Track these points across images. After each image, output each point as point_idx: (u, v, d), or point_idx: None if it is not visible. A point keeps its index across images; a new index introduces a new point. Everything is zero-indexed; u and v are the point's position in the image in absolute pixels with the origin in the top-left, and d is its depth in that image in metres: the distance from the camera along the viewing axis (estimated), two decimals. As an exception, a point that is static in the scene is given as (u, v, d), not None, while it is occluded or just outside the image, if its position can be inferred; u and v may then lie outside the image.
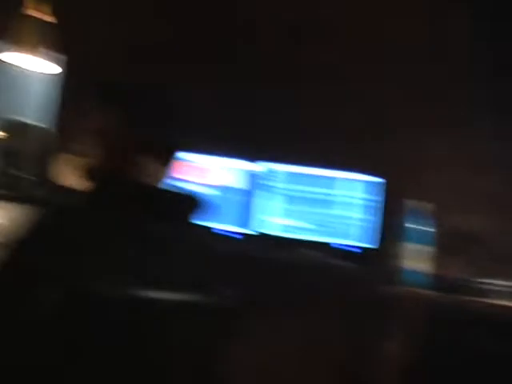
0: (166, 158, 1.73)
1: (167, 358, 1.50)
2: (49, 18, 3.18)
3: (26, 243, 1.51)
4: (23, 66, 3.34)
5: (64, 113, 3.54)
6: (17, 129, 3.17)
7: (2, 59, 3.26)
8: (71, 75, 3.62)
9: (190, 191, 1.73)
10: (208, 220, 1.75)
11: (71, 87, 3.62)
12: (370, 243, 3.17)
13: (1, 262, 1.55)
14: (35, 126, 3.21)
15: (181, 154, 1.79)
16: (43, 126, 3.29)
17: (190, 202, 1.71)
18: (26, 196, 3.12)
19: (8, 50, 3.15)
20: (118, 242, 1.52)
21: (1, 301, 1.50)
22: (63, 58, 3.36)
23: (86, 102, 1.80)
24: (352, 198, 3.22)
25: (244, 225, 3.20)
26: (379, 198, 3.19)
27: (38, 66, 3.30)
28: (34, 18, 3.15)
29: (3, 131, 3.17)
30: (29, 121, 3.29)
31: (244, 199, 3.24)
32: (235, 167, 3.24)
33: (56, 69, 3.32)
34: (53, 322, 1.39)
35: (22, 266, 1.48)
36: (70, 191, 3.10)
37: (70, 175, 3.14)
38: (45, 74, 3.46)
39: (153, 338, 1.47)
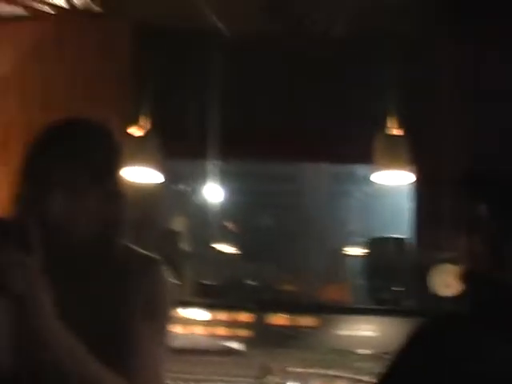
0: None
1: None
2: (401, 133, 3.28)
3: (408, 353, 1.51)
4: (384, 182, 3.45)
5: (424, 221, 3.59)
6: (383, 244, 3.26)
7: (373, 180, 3.40)
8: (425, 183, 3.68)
9: None
10: None
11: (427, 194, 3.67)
12: None
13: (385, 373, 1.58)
14: (397, 239, 3.29)
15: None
16: (403, 237, 3.33)
17: None
18: (394, 308, 3.17)
19: (376, 170, 3.28)
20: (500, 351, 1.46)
21: None
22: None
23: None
24: None
25: None
26: None
27: (395, 180, 3.39)
28: (395, 136, 3.26)
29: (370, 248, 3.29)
30: (391, 235, 3.38)
31: None
32: None
33: (410, 179, 3.41)
34: None
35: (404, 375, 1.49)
36: (440, 300, 3.11)
37: (442, 285, 3.14)
38: (400, 186, 3.56)
39: None
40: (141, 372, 1.70)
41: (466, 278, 1.69)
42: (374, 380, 2.25)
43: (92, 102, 3.57)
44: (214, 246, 5.13)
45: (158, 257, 1.87)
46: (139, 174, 3.30)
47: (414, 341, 1.52)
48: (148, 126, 3.37)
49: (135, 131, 3.35)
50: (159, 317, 1.83)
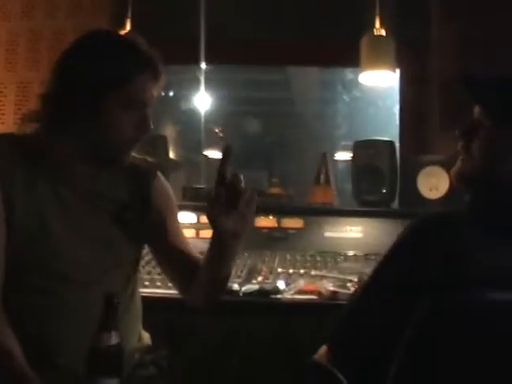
0: None
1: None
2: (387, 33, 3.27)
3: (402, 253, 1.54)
4: (372, 84, 3.45)
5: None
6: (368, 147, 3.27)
7: (361, 81, 3.40)
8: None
9: None
10: None
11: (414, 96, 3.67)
12: None
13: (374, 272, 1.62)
14: (384, 142, 3.30)
15: None
16: (389, 140, 3.35)
17: None
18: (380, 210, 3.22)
19: (363, 71, 3.28)
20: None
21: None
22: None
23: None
24: None
25: None
26: None
27: (383, 81, 3.40)
28: (381, 36, 3.26)
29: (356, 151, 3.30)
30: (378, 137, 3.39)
31: None
32: None
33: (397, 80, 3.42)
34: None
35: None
36: (427, 202, 3.14)
37: (429, 187, 3.17)
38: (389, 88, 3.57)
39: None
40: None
41: (460, 179, 1.70)
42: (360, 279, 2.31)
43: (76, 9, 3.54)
44: (203, 152, 5.12)
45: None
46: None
47: (410, 234, 1.53)
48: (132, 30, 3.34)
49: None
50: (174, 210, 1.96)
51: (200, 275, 1.91)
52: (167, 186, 2.04)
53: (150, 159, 2.00)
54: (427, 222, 1.55)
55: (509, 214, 1.53)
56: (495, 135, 1.60)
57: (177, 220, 2.06)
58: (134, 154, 1.91)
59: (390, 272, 1.57)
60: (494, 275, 1.44)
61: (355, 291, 1.71)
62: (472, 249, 1.46)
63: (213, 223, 1.76)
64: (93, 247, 1.83)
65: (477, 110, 1.68)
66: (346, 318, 1.64)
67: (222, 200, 1.70)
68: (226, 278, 1.92)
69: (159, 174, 2.01)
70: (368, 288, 1.62)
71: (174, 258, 2.01)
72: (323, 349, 1.69)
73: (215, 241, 1.81)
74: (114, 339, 1.40)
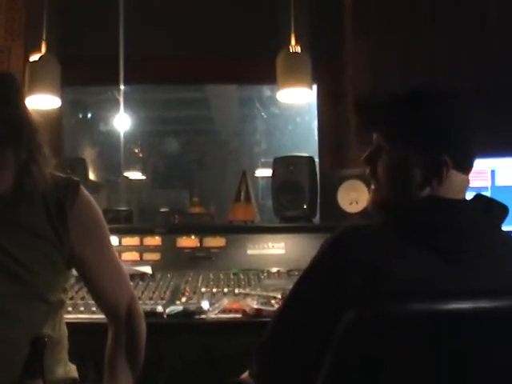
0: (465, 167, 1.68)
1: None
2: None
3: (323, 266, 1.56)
4: (288, 101, 3.49)
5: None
6: (288, 163, 3.29)
7: (279, 98, 3.42)
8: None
9: (497, 201, 1.68)
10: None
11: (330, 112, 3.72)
12: None
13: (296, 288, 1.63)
14: (303, 158, 3.33)
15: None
16: (309, 155, 3.37)
17: (501, 211, 1.66)
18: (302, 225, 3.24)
19: (280, 88, 3.30)
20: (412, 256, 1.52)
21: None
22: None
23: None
24: None
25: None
26: None
27: (300, 98, 3.44)
28: (297, 53, 3.29)
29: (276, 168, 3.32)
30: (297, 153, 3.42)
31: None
32: (510, 165, 3.15)
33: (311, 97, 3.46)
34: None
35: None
36: (348, 216, 3.18)
37: (349, 201, 3.21)
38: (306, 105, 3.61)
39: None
40: None
41: (374, 208, 1.74)
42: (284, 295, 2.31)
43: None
44: (123, 173, 5.07)
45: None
46: (41, 102, 3.26)
47: (328, 247, 1.55)
48: (48, 52, 3.30)
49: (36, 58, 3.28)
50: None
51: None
52: (90, 208, 1.92)
53: (73, 178, 1.90)
54: (344, 234, 1.56)
55: (418, 226, 1.56)
56: (396, 156, 1.64)
57: (101, 247, 1.95)
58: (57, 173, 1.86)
59: (311, 286, 1.58)
60: (411, 284, 1.47)
61: (278, 308, 1.71)
62: (388, 259, 1.49)
63: None
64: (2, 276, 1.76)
65: (374, 135, 1.72)
66: (270, 337, 1.63)
67: None
68: None
69: (81, 193, 1.88)
70: (290, 303, 1.62)
71: (95, 293, 1.97)
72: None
73: None
74: (39, 387, 1.35)
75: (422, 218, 1.57)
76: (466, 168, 1.66)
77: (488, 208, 1.62)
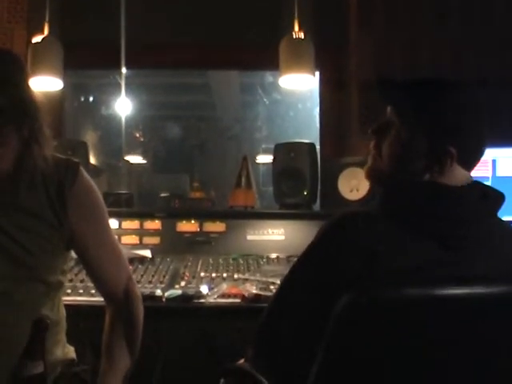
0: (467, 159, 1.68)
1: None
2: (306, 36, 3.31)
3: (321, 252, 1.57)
4: (290, 87, 3.48)
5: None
6: (289, 149, 3.29)
7: (281, 85, 3.41)
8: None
9: (493, 188, 1.68)
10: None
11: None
12: None
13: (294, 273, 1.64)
14: (304, 144, 3.32)
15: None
16: (310, 142, 3.37)
17: (497, 198, 1.67)
18: (302, 212, 3.25)
19: (283, 74, 3.29)
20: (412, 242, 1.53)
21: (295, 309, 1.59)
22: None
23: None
24: None
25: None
26: None
27: (302, 85, 3.43)
28: (300, 39, 3.28)
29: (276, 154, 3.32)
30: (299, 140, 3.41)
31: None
32: (511, 155, 3.15)
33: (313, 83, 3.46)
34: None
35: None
36: (348, 203, 3.18)
37: (350, 188, 3.21)
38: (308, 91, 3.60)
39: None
40: None
41: (370, 176, 1.74)
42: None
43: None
44: (124, 157, 5.08)
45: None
46: (43, 83, 3.25)
47: (326, 231, 1.55)
48: (50, 35, 3.30)
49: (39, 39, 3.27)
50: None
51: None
52: (90, 190, 1.91)
53: (72, 159, 1.90)
54: (343, 218, 1.57)
55: (417, 212, 1.56)
56: (404, 135, 1.64)
57: (100, 229, 1.95)
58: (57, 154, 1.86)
59: (309, 268, 1.58)
60: (407, 270, 1.47)
61: (276, 290, 1.72)
62: (387, 243, 1.49)
63: None
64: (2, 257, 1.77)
65: (389, 109, 1.72)
66: (267, 320, 1.64)
67: None
68: None
69: (81, 175, 1.88)
70: (287, 286, 1.63)
71: (93, 275, 1.98)
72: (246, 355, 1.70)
73: None
74: (39, 368, 1.35)
75: (421, 203, 1.57)
76: (470, 164, 1.66)
77: (485, 195, 1.62)
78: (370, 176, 1.76)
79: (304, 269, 1.60)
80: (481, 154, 1.68)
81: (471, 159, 1.66)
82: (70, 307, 2.04)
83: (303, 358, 1.49)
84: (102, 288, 1.99)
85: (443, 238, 1.53)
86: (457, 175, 1.62)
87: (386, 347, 1.42)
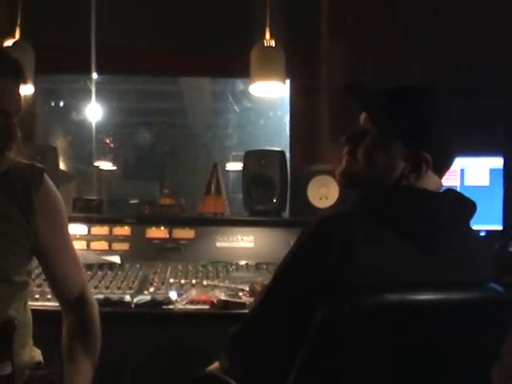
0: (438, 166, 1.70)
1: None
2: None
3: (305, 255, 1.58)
4: (261, 95, 3.49)
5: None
6: (259, 157, 3.31)
7: (252, 92, 3.43)
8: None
9: (467, 197, 1.71)
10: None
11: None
12: None
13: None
14: (274, 152, 3.34)
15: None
16: (280, 149, 3.39)
17: (471, 207, 1.69)
18: (271, 219, 3.26)
19: (254, 82, 3.31)
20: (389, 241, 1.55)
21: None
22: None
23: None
24: None
25: (490, 222, 3.17)
26: None
27: (273, 92, 3.45)
28: (272, 48, 3.30)
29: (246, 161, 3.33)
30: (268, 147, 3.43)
31: (489, 196, 3.20)
32: (479, 165, 3.20)
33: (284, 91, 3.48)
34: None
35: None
36: (317, 211, 3.19)
37: (319, 196, 3.23)
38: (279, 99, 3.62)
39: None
40: None
41: (343, 179, 1.76)
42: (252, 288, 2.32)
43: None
44: (94, 163, 5.06)
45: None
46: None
47: (309, 235, 1.58)
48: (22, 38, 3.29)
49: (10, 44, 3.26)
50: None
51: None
52: (54, 194, 1.93)
53: (37, 164, 1.91)
54: (326, 222, 1.57)
55: (400, 214, 1.58)
56: (381, 142, 1.66)
57: (63, 233, 1.96)
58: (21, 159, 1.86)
59: (294, 272, 1.59)
60: (388, 273, 1.49)
61: (260, 293, 1.71)
62: (369, 245, 1.51)
63: None
64: None
65: (363, 117, 1.73)
66: (252, 320, 1.64)
67: None
68: None
69: (45, 179, 1.89)
70: (274, 288, 1.63)
71: (53, 278, 1.97)
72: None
73: None
74: (7, 370, 1.34)
75: (405, 206, 1.60)
76: (443, 170, 1.70)
77: (459, 203, 1.65)
78: (343, 179, 1.78)
79: (291, 272, 1.61)
80: (453, 160, 1.71)
81: (444, 166, 1.70)
82: (38, 312, 2.03)
83: (281, 365, 1.50)
84: (58, 292, 1.98)
85: (424, 242, 1.56)
86: (431, 182, 1.65)
87: (366, 352, 1.44)
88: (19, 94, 1.73)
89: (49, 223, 1.87)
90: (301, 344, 1.45)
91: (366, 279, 1.48)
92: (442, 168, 1.69)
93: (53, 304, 2.31)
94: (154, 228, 3.08)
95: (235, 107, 6.12)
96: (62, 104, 5.73)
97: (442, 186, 1.71)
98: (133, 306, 2.32)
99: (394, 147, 1.65)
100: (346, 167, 1.76)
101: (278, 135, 4.55)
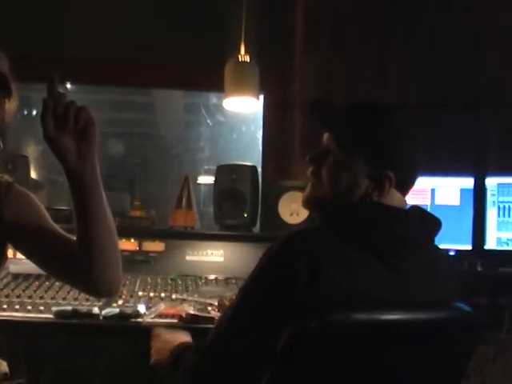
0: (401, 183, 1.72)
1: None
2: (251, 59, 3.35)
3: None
4: (234, 109, 3.51)
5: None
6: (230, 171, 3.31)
7: (225, 106, 3.44)
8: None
9: (431, 214, 1.73)
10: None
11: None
12: None
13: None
14: (245, 167, 3.35)
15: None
16: (251, 164, 3.41)
17: (435, 224, 1.71)
18: (241, 234, 3.26)
19: (227, 96, 3.33)
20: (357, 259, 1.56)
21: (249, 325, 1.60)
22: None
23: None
24: None
25: (459, 241, 3.21)
26: None
27: (246, 107, 3.48)
28: (246, 63, 3.32)
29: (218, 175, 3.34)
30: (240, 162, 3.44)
31: (459, 215, 3.23)
32: (449, 185, 3.24)
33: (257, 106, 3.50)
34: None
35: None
36: (288, 227, 3.20)
37: (290, 212, 3.24)
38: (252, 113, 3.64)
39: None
40: None
41: (308, 204, 1.76)
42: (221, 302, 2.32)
43: None
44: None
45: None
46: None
47: (274, 254, 1.57)
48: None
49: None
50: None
51: (79, 243, 1.75)
52: (27, 193, 1.89)
53: (5, 177, 1.88)
54: (294, 237, 1.58)
55: (365, 230, 1.59)
56: (343, 161, 1.68)
57: (44, 214, 1.87)
58: None
59: (259, 290, 1.59)
60: (355, 291, 1.50)
61: (225, 311, 1.71)
62: (335, 263, 1.52)
63: (51, 144, 1.67)
64: None
65: (326, 136, 1.75)
66: (217, 341, 1.63)
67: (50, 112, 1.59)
68: (107, 230, 1.81)
69: (14, 192, 1.86)
70: (239, 308, 1.63)
71: (50, 243, 1.84)
72: None
73: (68, 177, 1.72)
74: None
75: (363, 221, 1.61)
76: (406, 188, 1.71)
77: (424, 219, 1.67)
78: (308, 204, 1.79)
79: (256, 290, 1.61)
80: (416, 178, 1.73)
81: (407, 184, 1.71)
82: (5, 323, 2.02)
83: (252, 376, 1.51)
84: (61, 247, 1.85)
85: (388, 257, 1.57)
86: (395, 199, 1.67)
87: (333, 370, 1.45)
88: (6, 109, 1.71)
89: (23, 211, 1.82)
90: (265, 366, 1.45)
91: (331, 295, 1.49)
92: (405, 186, 1.71)
93: (20, 314, 2.29)
94: (123, 240, 3.06)
95: (208, 120, 6.13)
96: (34, 113, 5.69)
97: (406, 203, 1.72)
98: (101, 318, 2.31)
99: (356, 165, 1.66)
100: (309, 192, 1.77)
101: (250, 150, 4.57)
